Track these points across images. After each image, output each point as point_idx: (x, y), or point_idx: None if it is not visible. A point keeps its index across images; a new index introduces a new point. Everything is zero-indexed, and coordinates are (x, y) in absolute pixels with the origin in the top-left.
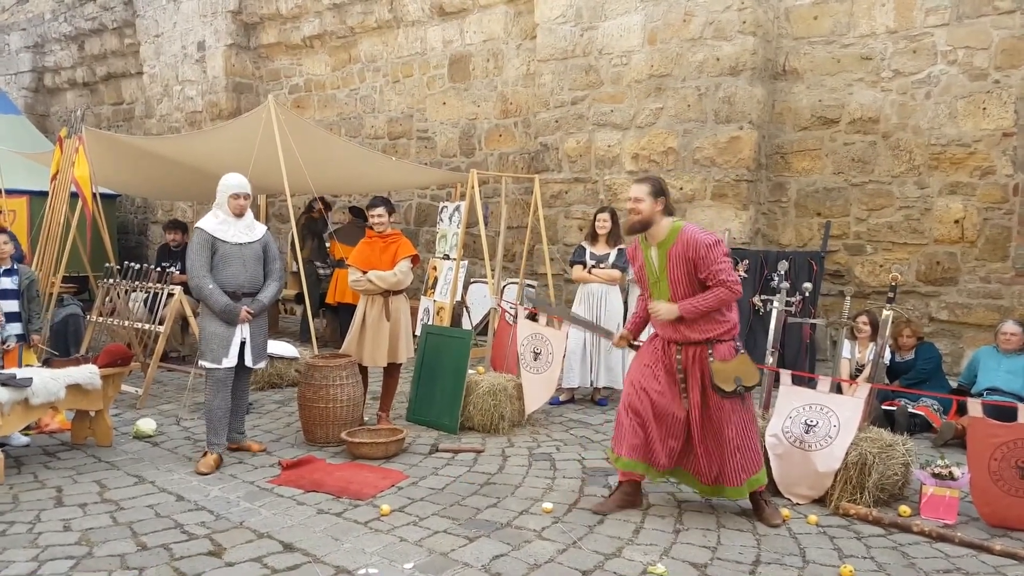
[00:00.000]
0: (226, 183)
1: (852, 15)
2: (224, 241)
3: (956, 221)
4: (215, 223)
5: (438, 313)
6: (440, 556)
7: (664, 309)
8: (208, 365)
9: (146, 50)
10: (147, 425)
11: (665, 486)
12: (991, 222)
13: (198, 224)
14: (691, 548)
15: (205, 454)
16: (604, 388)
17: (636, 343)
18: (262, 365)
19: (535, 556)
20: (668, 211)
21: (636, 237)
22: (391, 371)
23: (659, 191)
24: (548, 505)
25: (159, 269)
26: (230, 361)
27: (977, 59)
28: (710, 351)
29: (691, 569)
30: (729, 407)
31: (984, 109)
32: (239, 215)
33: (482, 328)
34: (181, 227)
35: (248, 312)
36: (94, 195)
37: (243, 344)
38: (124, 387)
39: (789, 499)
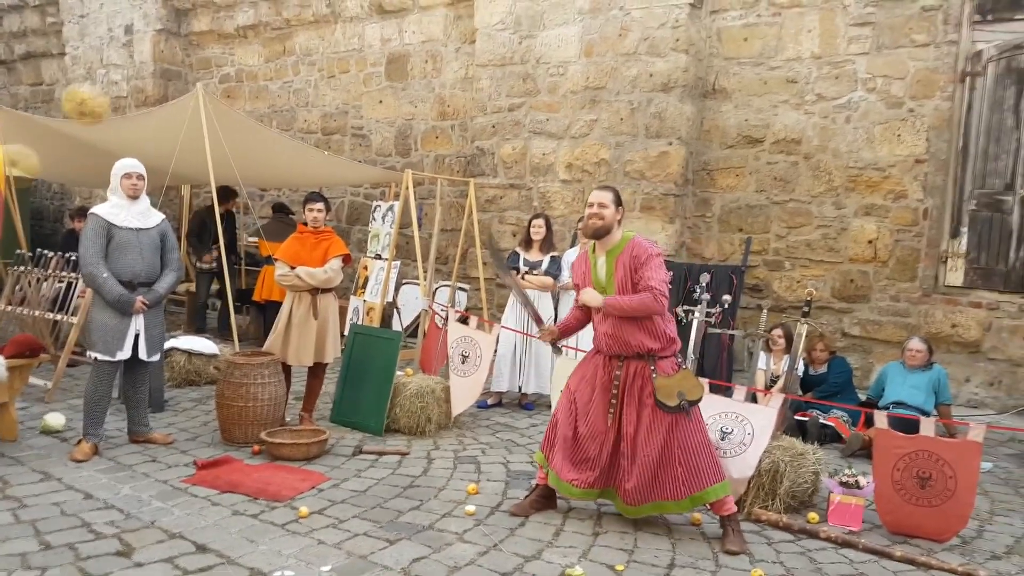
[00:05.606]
0: (119, 164)
1: (780, 39)
2: (119, 227)
3: (870, 241)
4: (109, 208)
5: (368, 313)
6: (359, 559)
7: (591, 295)
8: (100, 357)
9: (69, 30)
10: (56, 420)
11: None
12: (902, 243)
13: (92, 210)
14: (608, 551)
15: (80, 442)
16: (532, 393)
17: (560, 345)
18: (156, 358)
19: (455, 559)
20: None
21: (585, 246)
22: (316, 371)
23: (620, 200)
24: (471, 508)
25: (63, 256)
26: (124, 354)
27: (894, 88)
28: (653, 368)
29: (608, 572)
30: (672, 422)
31: (899, 136)
32: (134, 197)
33: (412, 330)
34: None
35: (143, 303)
36: (7, 178)
37: (137, 336)
38: (32, 379)
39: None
